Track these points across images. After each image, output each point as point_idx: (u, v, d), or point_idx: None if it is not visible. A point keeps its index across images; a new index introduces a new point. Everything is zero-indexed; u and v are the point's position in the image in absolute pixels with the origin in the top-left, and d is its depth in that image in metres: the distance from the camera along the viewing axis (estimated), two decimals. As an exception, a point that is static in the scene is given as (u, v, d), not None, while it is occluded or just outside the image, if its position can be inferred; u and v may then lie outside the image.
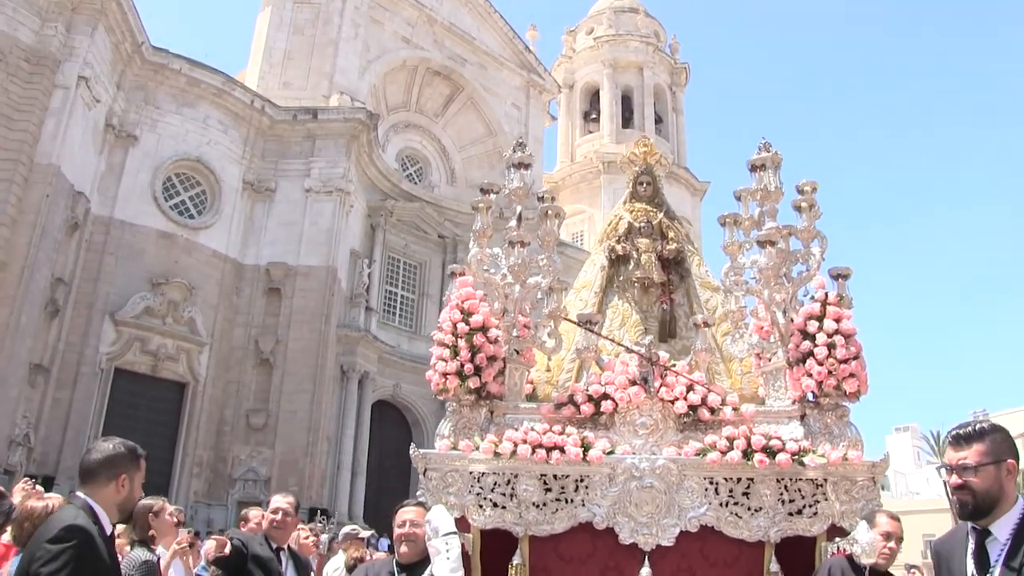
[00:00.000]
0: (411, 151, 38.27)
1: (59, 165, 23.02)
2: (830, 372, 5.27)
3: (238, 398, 27.48)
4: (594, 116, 49.43)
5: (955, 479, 2.96)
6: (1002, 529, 2.88)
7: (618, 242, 7.19)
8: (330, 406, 28.62)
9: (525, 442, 5.25)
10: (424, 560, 4.94)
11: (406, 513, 5.31)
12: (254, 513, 7.49)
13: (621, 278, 7.12)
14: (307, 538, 8.15)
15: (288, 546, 6.41)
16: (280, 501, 6.26)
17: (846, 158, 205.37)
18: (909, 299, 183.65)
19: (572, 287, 7.27)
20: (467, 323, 5.64)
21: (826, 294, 5.58)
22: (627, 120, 47.70)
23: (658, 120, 48.52)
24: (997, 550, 2.88)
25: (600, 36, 49.63)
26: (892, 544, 4.89)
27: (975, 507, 2.91)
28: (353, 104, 31.50)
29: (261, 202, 29.65)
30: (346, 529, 9.76)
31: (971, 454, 2.92)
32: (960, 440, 2.98)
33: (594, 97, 49.90)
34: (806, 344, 5.41)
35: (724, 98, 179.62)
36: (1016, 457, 2.94)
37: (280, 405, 27.31)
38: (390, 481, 31.17)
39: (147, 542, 5.94)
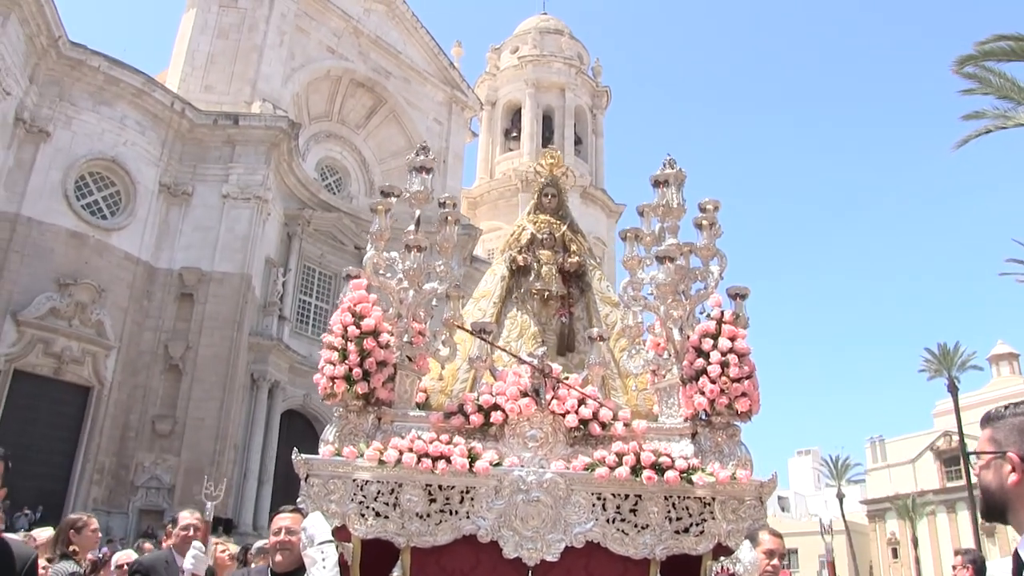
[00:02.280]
0: (331, 161, 38.18)
1: (-37, 158, 22.43)
2: (722, 390, 5.24)
3: (144, 404, 26.95)
4: (515, 134, 49.98)
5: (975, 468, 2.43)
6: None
7: (519, 252, 7.13)
8: (239, 414, 28.30)
9: (411, 450, 5.08)
10: (300, 569, 4.89)
11: (282, 520, 5.28)
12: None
13: (521, 289, 7.05)
14: (223, 551, 7.92)
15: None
16: (189, 517, 6.20)
17: (762, 183, 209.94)
18: (812, 324, 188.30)
19: (472, 296, 7.24)
20: (358, 326, 5.47)
21: (722, 312, 5.53)
22: (547, 140, 48.27)
23: (578, 141, 49.21)
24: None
25: (525, 56, 50.21)
26: (775, 561, 4.96)
27: (984, 505, 2.42)
28: (275, 112, 31.33)
29: (177, 206, 29.24)
30: (259, 544, 9.76)
31: (981, 439, 2.45)
32: (981, 422, 2.48)
33: (515, 115, 50.47)
34: (700, 362, 5.36)
35: (643, 123, 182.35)
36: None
37: (188, 412, 26.87)
38: (296, 491, 30.75)
39: (70, 556, 6.02)
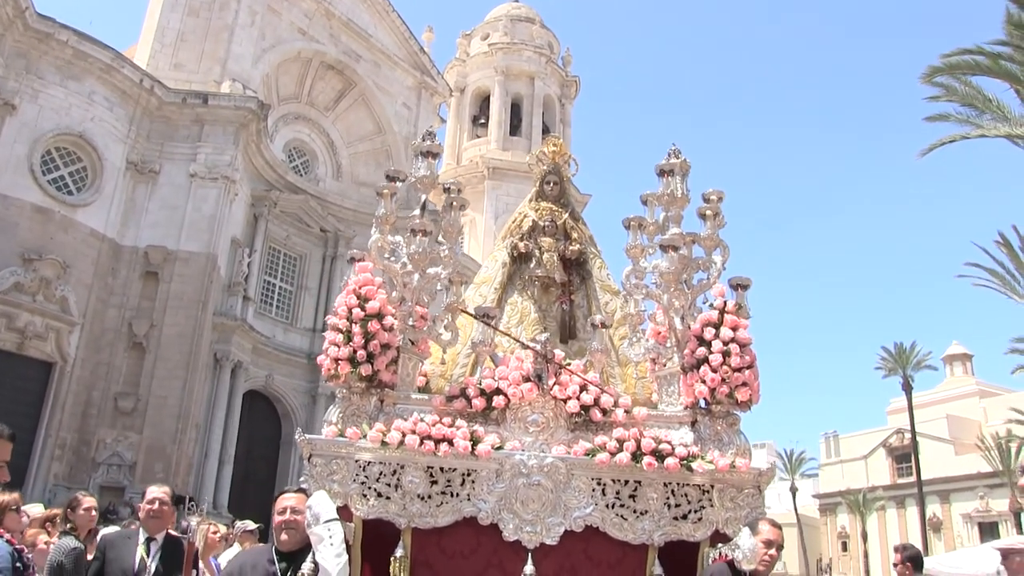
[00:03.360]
0: (299, 143, 37.99)
1: (-76, 129, 22.07)
2: (723, 379, 5.34)
3: (107, 381, 26.78)
4: (483, 121, 49.97)
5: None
6: None
7: (521, 239, 7.18)
8: (201, 393, 28.20)
9: (414, 432, 5.18)
10: (305, 548, 4.86)
11: (286, 500, 5.22)
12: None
13: (523, 276, 7.11)
14: (215, 533, 7.94)
15: (168, 534, 6.25)
16: (156, 491, 6.16)
17: (727, 178, 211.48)
18: (772, 319, 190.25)
19: (473, 282, 7.32)
20: (363, 309, 5.52)
21: (725, 302, 5.63)
22: (515, 128, 48.44)
23: (545, 130, 49.24)
24: None
25: (495, 43, 50.17)
26: (773, 551, 4.94)
27: None
28: (245, 92, 31.11)
29: (144, 184, 28.99)
30: (239, 524, 9.86)
31: None
32: None
33: (484, 102, 50.49)
34: (701, 350, 5.47)
35: (610, 113, 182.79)
36: None
37: (151, 390, 26.73)
38: (257, 471, 31.01)
39: (70, 532, 6.16)
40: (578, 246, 7.15)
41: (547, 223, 7.18)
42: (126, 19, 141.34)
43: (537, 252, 7.06)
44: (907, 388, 44.08)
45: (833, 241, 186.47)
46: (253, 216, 32.58)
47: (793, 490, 58.20)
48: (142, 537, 6.02)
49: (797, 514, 56.79)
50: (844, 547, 56.92)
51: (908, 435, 45.28)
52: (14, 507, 6.02)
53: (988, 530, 45.72)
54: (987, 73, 18.56)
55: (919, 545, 42.63)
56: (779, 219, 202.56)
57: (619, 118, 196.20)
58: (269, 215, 32.97)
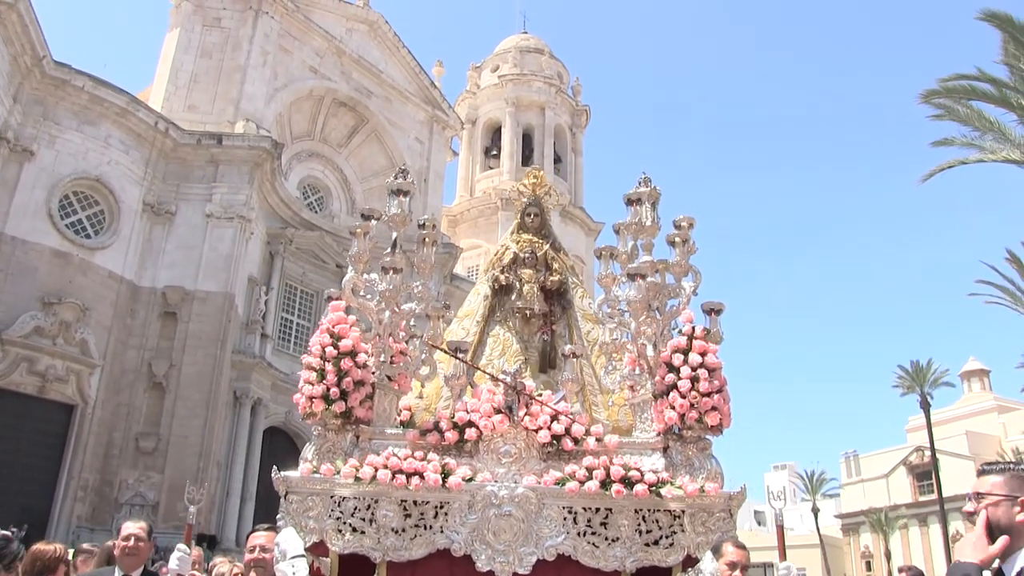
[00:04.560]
0: (313, 180, 38.45)
1: (-53, 177, 22.55)
2: (692, 405, 5.29)
3: (128, 421, 27.08)
4: (495, 152, 50.36)
5: (968, 506, 3.03)
6: (1011, 568, 2.85)
7: (502, 272, 7.20)
8: (222, 431, 28.49)
9: (386, 467, 5.21)
10: None
11: (256, 538, 5.42)
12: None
13: (504, 308, 7.12)
14: (236, 574, 7.69)
15: (145, 570, 6.22)
16: (132, 527, 6.11)
17: (744, 200, 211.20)
18: (791, 340, 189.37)
19: (456, 316, 7.30)
20: (336, 347, 5.59)
21: (693, 328, 5.60)
22: (527, 158, 48.64)
23: (557, 160, 49.65)
24: None
25: (505, 74, 50.67)
26: (737, 573, 5.10)
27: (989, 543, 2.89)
28: (258, 131, 31.58)
29: (160, 225, 29.45)
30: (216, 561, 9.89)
31: (986, 485, 2.98)
32: (982, 472, 3.06)
33: (496, 134, 50.88)
34: (671, 377, 5.44)
35: (621, 141, 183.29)
36: None
37: (171, 429, 27.03)
38: (279, 508, 31.12)
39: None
40: (558, 276, 7.20)
41: (527, 255, 7.23)
42: (140, 61, 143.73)
43: (518, 284, 7.12)
44: (925, 405, 43.94)
45: (849, 264, 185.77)
46: (269, 254, 32.96)
47: (815, 510, 57.88)
48: (118, 575, 6.00)
49: (820, 534, 56.47)
50: (868, 566, 56.49)
51: (928, 453, 45.10)
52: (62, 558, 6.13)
53: None
54: (984, 99, 18.85)
55: (943, 563, 42.30)
56: (797, 244, 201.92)
57: (630, 146, 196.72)
58: (285, 252, 33.33)
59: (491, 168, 49.99)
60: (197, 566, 7.78)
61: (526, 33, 54.76)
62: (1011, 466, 3.03)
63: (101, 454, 26.45)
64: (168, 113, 30.88)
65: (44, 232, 26.38)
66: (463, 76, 53.36)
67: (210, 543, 24.40)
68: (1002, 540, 2.84)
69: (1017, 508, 2.86)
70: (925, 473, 50.78)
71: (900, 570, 8.31)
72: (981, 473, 3.07)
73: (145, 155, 29.54)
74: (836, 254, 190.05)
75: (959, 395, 57.37)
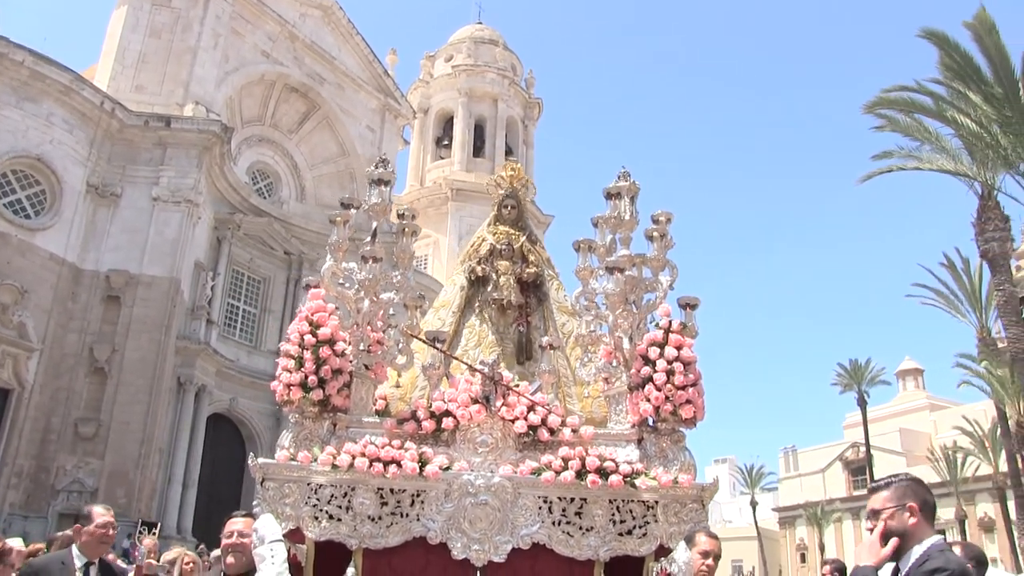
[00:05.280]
0: (263, 165, 38.01)
1: None
2: (667, 398, 5.36)
3: (68, 407, 26.52)
4: (446, 142, 50.12)
5: (868, 522, 3.38)
6: (906, 564, 3.19)
7: (479, 263, 7.22)
8: (165, 418, 28.03)
9: (363, 455, 5.23)
10: (251, 571, 4.94)
11: (234, 524, 5.28)
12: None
13: (480, 299, 7.14)
14: (188, 563, 7.37)
15: (100, 559, 6.07)
16: (107, 515, 5.97)
17: (689, 196, 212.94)
18: (733, 337, 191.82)
19: (432, 306, 7.35)
20: (314, 335, 5.58)
21: (670, 322, 5.65)
22: (478, 149, 48.68)
23: (508, 152, 49.56)
24: None
25: (459, 65, 50.46)
26: (710, 561, 5.17)
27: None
28: (208, 115, 31.12)
29: (105, 207, 28.86)
30: (215, 553, 9.64)
31: (878, 501, 3.31)
32: (872, 490, 3.40)
33: (447, 124, 50.62)
34: (646, 369, 5.49)
35: (572, 134, 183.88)
36: (919, 500, 3.25)
37: (113, 415, 26.51)
38: (221, 494, 30.74)
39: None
40: (534, 268, 7.23)
41: (504, 246, 7.26)
42: (85, 40, 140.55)
43: (494, 275, 7.14)
44: (862, 403, 45.44)
45: (792, 264, 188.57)
46: (216, 239, 32.51)
47: (753, 504, 59.18)
48: (79, 563, 5.84)
49: (757, 527, 57.74)
50: (803, 559, 57.79)
51: (863, 448, 46.37)
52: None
53: None
54: (923, 112, 19.66)
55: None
56: (742, 244, 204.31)
57: (582, 139, 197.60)
58: (233, 238, 32.93)
59: (442, 158, 49.76)
60: (152, 555, 7.62)
61: (481, 24, 54.58)
62: (894, 479, 3.36)
63: (38, 440, 25.86)
64: (115, 93, 30.27)
65: (-19, 212, 25.68)
66: (416, 65, 53.22)
67: (151, 530, 24.01)
68: (892, 542, 3.20)
69: (907, 513, 3.21)
70: (860, 468, 51.98)
71: (825, 563, 8.51)
72: (872, 491, 3.40)
73: (90, 135, 28.92)
74: (780, 254, 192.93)
75: (895, 393, 58.95)
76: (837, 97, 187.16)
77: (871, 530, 3.32)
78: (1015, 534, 32.06)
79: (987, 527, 45.81)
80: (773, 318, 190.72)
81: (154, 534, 22.65)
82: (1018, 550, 30.86)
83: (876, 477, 41.32)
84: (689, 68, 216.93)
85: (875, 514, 3.31)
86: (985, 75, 18.43)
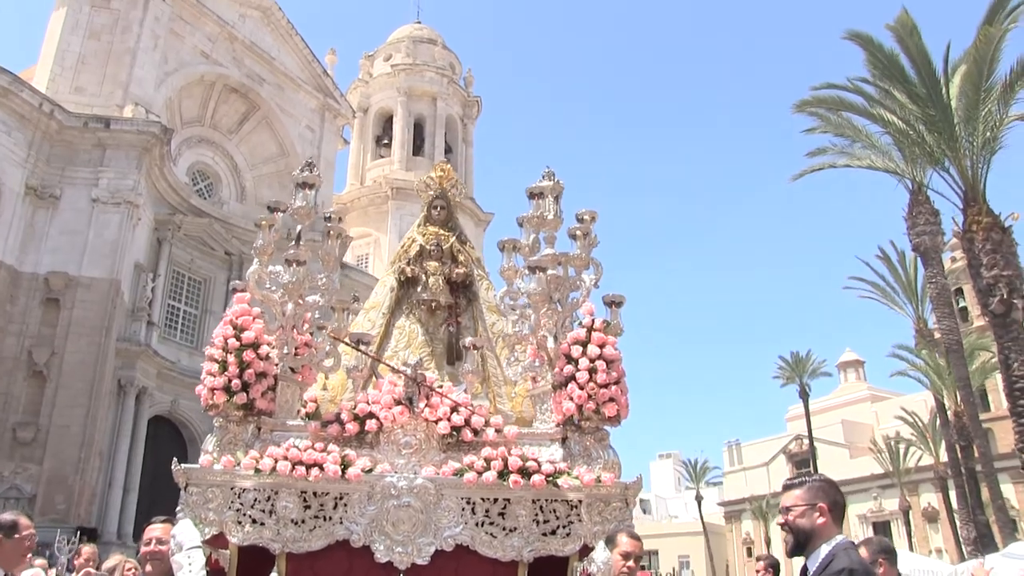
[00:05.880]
0: (202, 166, 37.82)
1: None
2: (590, 396, 5.40)
3: (5, 411, 26.21)
4: (386, 141, 50.22)
5: (779, 518, 3.53)
6: (814, 562, 3.34)
7: (408, 264, 7.28)
8: (105, 421, 27.84)
9: (286, 458, 5.23)
10: None
11: (152, 531, 5.28)
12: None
13: (410, 299, 7.18)
14: (129, 570, 7.44)
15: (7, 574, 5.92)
16: (31, 526, 5.55)
17: (627, 186, 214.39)
18: (674, 331, 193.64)
19: (363, 307, 7.36)
20: (238, 339, 5.60)
21: (593, 320, 5.71)
22: (418, 148, 48.85)
23: (448, 150, 49.80)
24: None
25: (398, 64, 50.57)
26: (631, 563, 5.13)
27: (793, 544, 3.45)
28: (148, 116, 30.93)
29: (44, 209, 28.60)
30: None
31: (790, 499, 3.48)
32: (786, 488, 3.57)
33: (387, 123, 50.70)
34: (569, 368, 5.54)
35: (512, 132, 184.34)
36: (829, 501, 3.41)
37: (52, 419, 26.28)
38: (163, 498, 30.49)
39: None
40: (464, 269, 7.32)
41: (433, 247, 7.34)
42: (23, 41, 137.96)
43: (423, 276, 7.22)
44: (804, 395, 45.65)
45: (734, 257, 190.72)
46: (157, 240, 32.35)
47: (699, 499, 59.42)
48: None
49: (703, 522, 58.00)
50: (749, 552, 58.29)
51: (807, 441, 46.66)
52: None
53: (881, 529, 47.54)
54: (852, 111, 20.20)
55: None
56: (686, 237, 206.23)
57: (521, 136, 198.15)
58: (173, 239, 32.76)
59: (382, 157, 49.87)
60: (91, 563, 7.80)
61: (419, 23, 54.74)
62: (807, 479, 3.55)
63: (-26, 445, 25.58)
64: (54, 95, 30.00)
65: (-83, 214, 25.39)
66: (356, 65, 53.22)
67: (91, 536, 23.90)
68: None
69: (816, 514, 3.38)
70: (804, 461, 52.37)
71: (758, 558, 8.86)
72: (785, 488, 3.59)
73: (28, 137, 28.67)
74: (722, 247, 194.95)
75: (836, 385, 59.57)
76: (767, 93, 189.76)
77: (781, 525, 3.52)
78: (957, 523, 32.55)
79: (931, 517, 46.31)
80: (713, 312, 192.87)
81: (94, 541, 22.61)
82: (960, 540, 31.63)
83: (819, 469, 42.16)
84: (624, 65, 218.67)
85: (786, 511, 3.48)
86: (909, 75, 18.90)
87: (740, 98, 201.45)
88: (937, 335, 29.02)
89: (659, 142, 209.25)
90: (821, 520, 3.37)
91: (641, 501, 77.85)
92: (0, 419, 26.16)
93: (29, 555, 6.10)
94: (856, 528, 48.44)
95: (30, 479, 25.69)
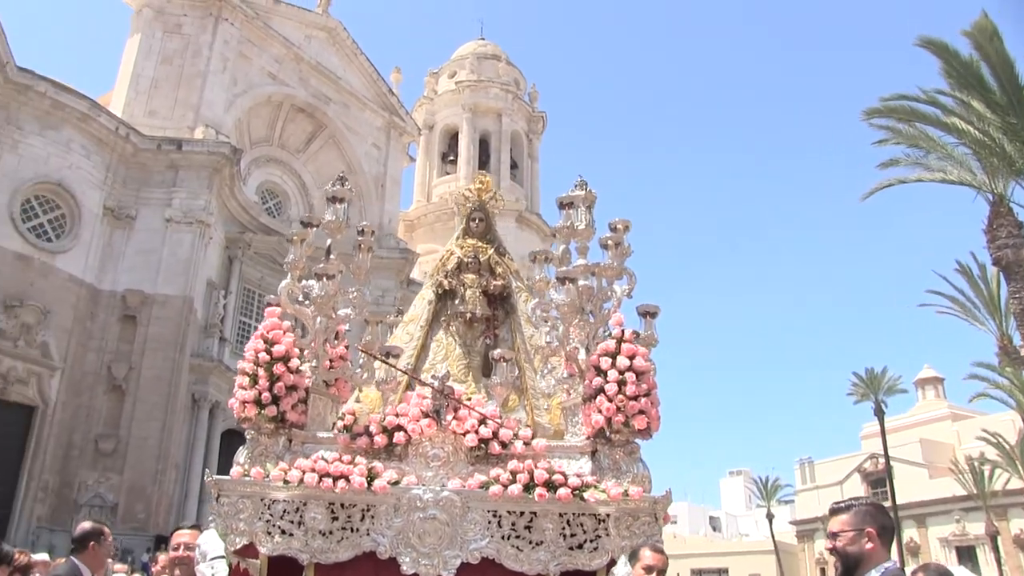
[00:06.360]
0: (271, 185, 38.86)
1: (-88, 182, 22.75)
2: (619, 408, 5.28)
3: (88, 423, 27.33)
4: (452, 158, 50.74)
5: (827, 543, 3.55)
6: None
7: (446, 276, 7.31)
8: (180, 434, 28.80)
9: (313, 470, 5.27)
10: None
11: (180, 536, 5.39)
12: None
13: (447, 312, 7.21)
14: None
15: None
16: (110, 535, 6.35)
17: (697, 207, 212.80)
18: (746, 347, 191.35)
19: (402, 320, 7.45)
20: (269, 352, 5.67)
21: (622, 331, 5.60)
22: (484, 164, 48.99)
23: (514, 165, 50.14)
24: None
25: (462, 80, 51.12)
26: None
27: (842, 567, 3.42)
28: (218, 137, 31.96)
29: (121, 229, 29.73)
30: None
31: (837, 524, 3.47)
32: (833, 512, 3.55)
33: (453, 139, 51.24)
34: (598, 380, 5.43)
35: (577, 147, 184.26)
36: (877, 526, 3.39)
37: (131, 431, 27.29)
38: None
39: None
40: (501, 281, 7.33)
41: (471, 259, 7.38)
42: (101, 67, 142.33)
43: (461, 288, 7.26)
44: (879, 413, 43.45)
45: (806, 271, 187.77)
46: (228, 258, 33.34)
47: (770, 517, 58.17)
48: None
49: (774, 540, 56.73)
50: (823, 573, 56.73)
51: (882, 460, 44.93)
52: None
53: (966, 554, 45.52)
54: (925, 121, 19.53)
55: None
56: (756, 251, 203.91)
57: (586, 151, 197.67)
58: (243, 257, 33.72)
59: (448, 173, 50.41)
60: (167, 571, 8.29)
61: (483, 39, 55.29)
62: (854, 503, 3.53)
63: (61, 455, 26.66)
64: (129, 118, 31.15)
65: (6, 235, 26.58)
66: (421, 82, 53.86)
67: (167, 545, 24.72)
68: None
69: (864, 539, 3.36)
70: (879, 480, 50.28)
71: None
72: (832, 513, 3.58)
73: (106, 160, 29.81)
74: (793, 261, 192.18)
75: (913, 402, 57.47)
76: (839, 105, 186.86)
77: (829, 550, 3.52)
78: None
79: (1023, 544, 43.59)
80: (786, 328, 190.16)
81: (162, 548, 23.41)
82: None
83: (896, 489, 40.92)
84: (692, 77, 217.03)
85: (833, 536, 3.46)
86: (988, 82, 18.00)
87: (804, 111, 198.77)
88: (1023, 352, 27.74)
89: (728, 151, 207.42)
90: (870, 545, 3.37)
91: (711, 518, 77.00)
92: (83, 431, 27.28)
93: (109, 560, 6.74)
94: (937, 552, 46.37)
95: (112, 488, 26.68)
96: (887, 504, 45.68)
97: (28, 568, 7.26)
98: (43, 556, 9.03)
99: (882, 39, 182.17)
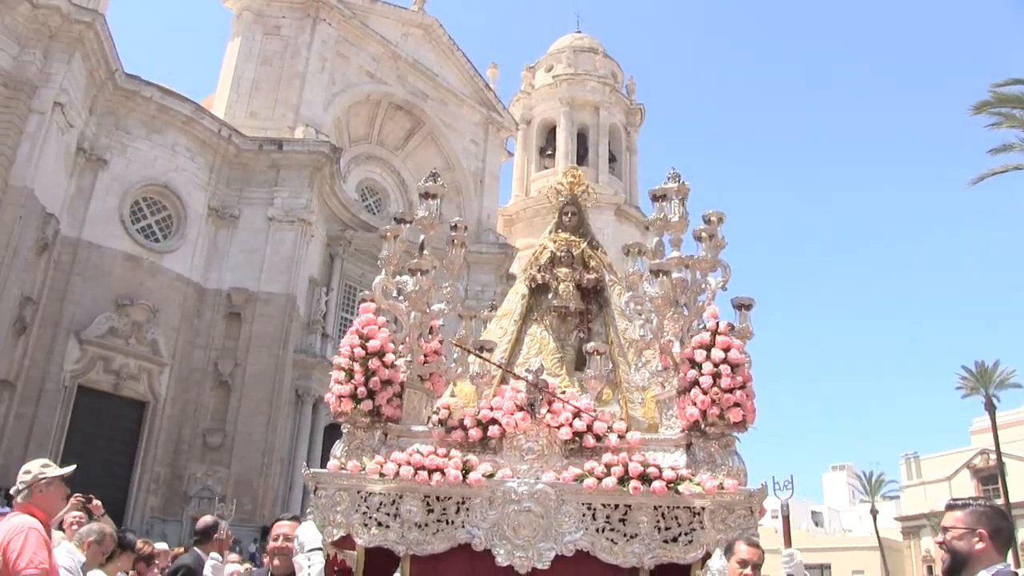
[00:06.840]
0: (371, 182, 39.38)
1: (32, 188, 23.65)
2: (714, 401, 5.21)
3: (196, 418, 28.19)
4: (550, 152, 50.62)
5: (938, 537, 3.51)
6: None
7: (539, 271, 7.23)
8: (284, 428, 29.50)
9: (408, 463, 5.29)
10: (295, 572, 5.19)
11: (280, 527, 5.55)
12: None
13: (541, 306, 7.15)
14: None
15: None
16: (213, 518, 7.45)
17: (800, 197, 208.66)
18: (851, 340, 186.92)
19: (496, 315, 7.43)
20: (364, 348, 5.69)
21: (717, 323, 5.52)
22: (582, 157, 48.72)
23: (612, 159, 49.78)
24: None
25: (559, 74, 50.91)
26: (748, 571, 4.91)
27: (949, 564, 3.41)
28: (317, 136, 32.52)
29: (225, 228, 30.51)
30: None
31: (950, 520, 3.44)
32: (948, 508, 3.51)
33: (550, 133, 51.11)
34: (693, 373, 5.36)
35: (677, 139, 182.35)
36: (991, 528, 3.35)
37: (236, 426, 28.07)
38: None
39: None
40: (595, 275, 7.23)
41: (564, 253, 7.29)
42: (204, 70, 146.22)
43: (554, 283, 7.18)
44: (990, 407, 42.39)
45: (913, 262, 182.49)
46: (329, 255, 33.95)
47: (874, 512, 56.81)
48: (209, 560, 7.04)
49: (879, 537, 55.37)
50: (930, 571, 55.00)
51: (993, 456, 43.68)
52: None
53: None
54: None
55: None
56: (860, 242, 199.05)
57: (686, 143, 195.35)
58: (344, 254, 34.29)
59: (546, 168, 50.23)
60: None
61: (579, 32, 54.97)
62: (971, 502, 3.48)
63: (171, 449, 27.56)
64: (231, 120, 31.93)
65: (117, 237, 27.57)
66: (517, 77, 53.77)
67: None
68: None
69: (975, 539, 3.33)
70: (990, 477, 48.84)
71: None
72: (947, 508, 3.53)
73: (209, 161, 30.62)
74: (899, 252, 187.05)
75: None
76: (947, 93, 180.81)
77: (939, 543, 3.50)
78: None
79: None
80: (892, 320, 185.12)
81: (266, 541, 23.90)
82: None
83: (1009, 486, 39.42)
84: (792, 66, 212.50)
85: (944, 531, 3.44)
86: None
87: (909, 97, 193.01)
88: None
89: (832, 142, 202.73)
90: (980, 545, 3.33)
91: (813, 514, 75.39)
92: (192, 425, 28.16)
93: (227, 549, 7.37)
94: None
95: (220, 481, 27.49)
96: (999, 502, 44.11)
97: (151, 557, 7.64)
98: (163, 545, 9.43)
99: (984, 26, 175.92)
